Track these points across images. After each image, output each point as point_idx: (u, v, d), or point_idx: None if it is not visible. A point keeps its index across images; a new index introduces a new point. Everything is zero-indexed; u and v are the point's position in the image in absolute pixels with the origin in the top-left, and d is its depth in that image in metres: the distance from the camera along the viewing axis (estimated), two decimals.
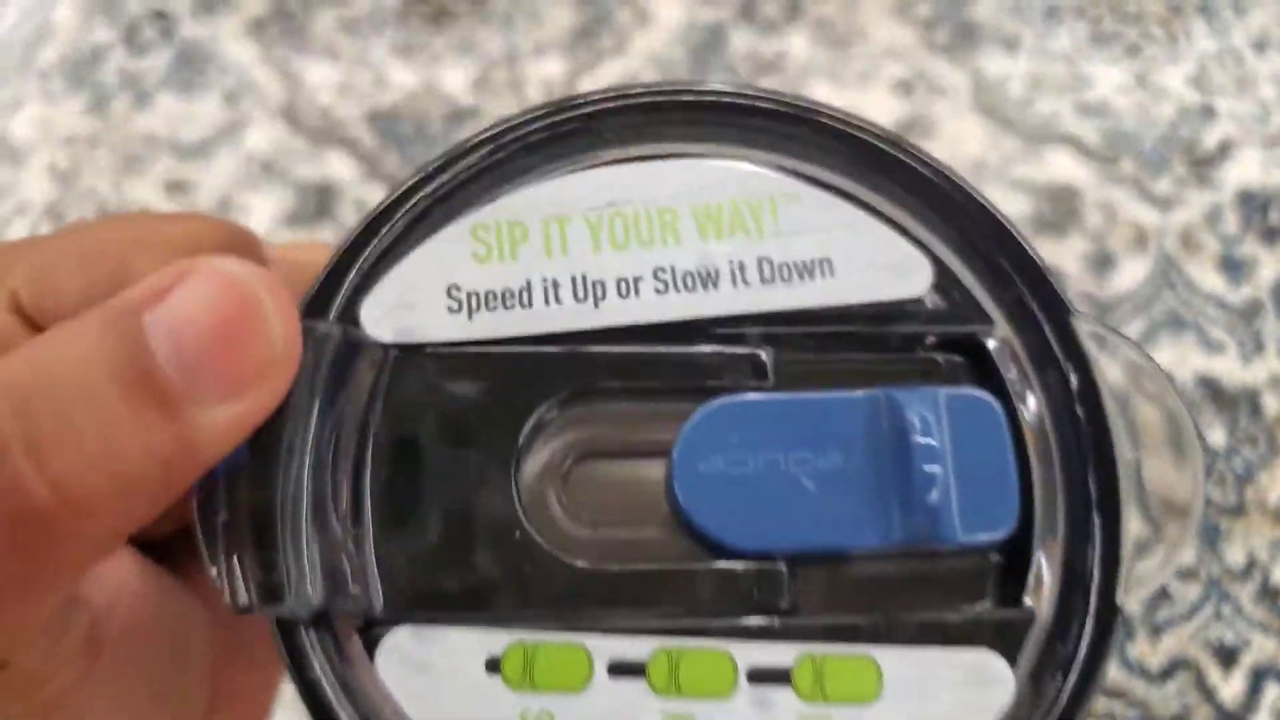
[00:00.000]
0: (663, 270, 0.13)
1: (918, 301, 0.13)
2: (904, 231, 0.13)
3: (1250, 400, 0.46)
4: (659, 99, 0.13)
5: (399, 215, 0.13)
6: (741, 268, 0.13)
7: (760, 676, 0.11)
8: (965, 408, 0.12)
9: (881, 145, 0.13)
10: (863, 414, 0.12)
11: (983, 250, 0.13)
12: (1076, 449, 0.12)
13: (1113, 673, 0.41)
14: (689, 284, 0.13)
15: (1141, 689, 0.40)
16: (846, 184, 0.13)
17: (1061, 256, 0.50)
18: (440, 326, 0.12)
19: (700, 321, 0.13)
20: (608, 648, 0.11)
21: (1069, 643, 0.11)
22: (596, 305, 0.13)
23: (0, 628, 0.11)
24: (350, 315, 0.12)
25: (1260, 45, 0.55)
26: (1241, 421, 0.45)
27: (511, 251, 0.12)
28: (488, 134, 0.13)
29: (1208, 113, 0.53)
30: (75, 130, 0.61)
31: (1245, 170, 0.51)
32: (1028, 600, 0.12)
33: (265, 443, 0.11)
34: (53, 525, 0.10)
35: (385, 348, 0.12)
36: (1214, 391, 0.46)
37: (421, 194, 0.13)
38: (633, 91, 0.14)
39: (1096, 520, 0.12)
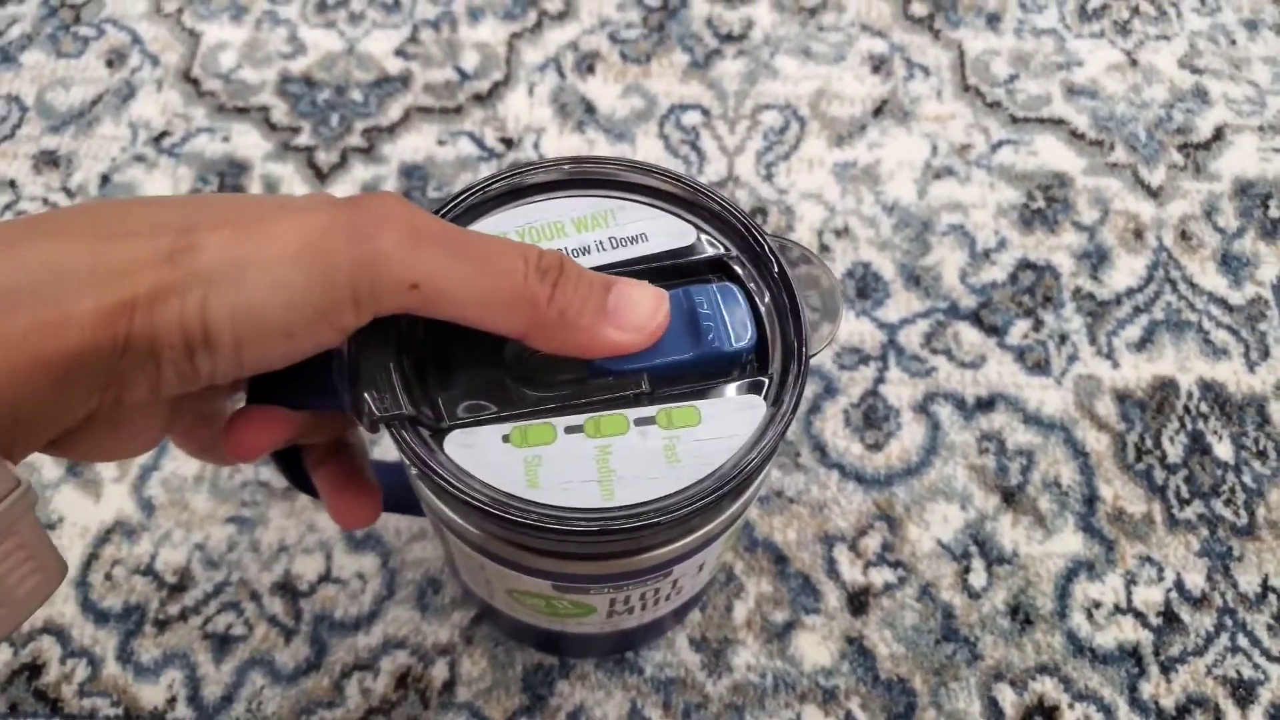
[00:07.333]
0: (561, 249, 0.24)
1: (691, 247, 0.25)
2: (678, 215, 0.25)
3: (1257, 409, 0.42)
4: (556, 169, 0.25)
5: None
6: (600, 244, 0.24)
7: (641, 421, 0.22)
8: (723, 290, 0.24)
9: (662, 176, 0.25)
10: (674, 300, 0.23)
11: (721, 218, 0.25)
12: (782, 302, 0.24)
13: (1126, 715, 0.37)
14: (575, 255, 0.24)
15: None
16: (646, 198, 0.25)
17: (1054, 252, 0.46)
18: None
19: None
20: (563, 421, 0.22)
21: (787, 385, 0.23)
22: None
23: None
24: None
25: (1252, 25, 0.52)
26: (1249, 432, 0.42)
27: None
28: (471, 187, 0.25)
29: (1201, 96, 0.50)
30: None
31: (1242, 158, 0.48)
32: (771, 371, 0.23)
33: (372, 356, 0.23)
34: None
35: None
36: (1219, 399, 0.42)
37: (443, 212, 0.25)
38: (545, 163, 0.25)
39: (793, 333, 0.23)
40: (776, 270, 0.24)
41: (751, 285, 0.24)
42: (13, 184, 0.50)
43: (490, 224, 0.25)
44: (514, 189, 0.25)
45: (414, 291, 0.20)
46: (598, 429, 0.22)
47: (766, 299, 0.24)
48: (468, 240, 0.21)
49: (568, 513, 0.21)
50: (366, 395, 0.22)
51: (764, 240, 0.24)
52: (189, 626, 0.39)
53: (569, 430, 0.22)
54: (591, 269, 0.23)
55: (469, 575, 0.30)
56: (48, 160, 0.51)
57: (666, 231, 0.25)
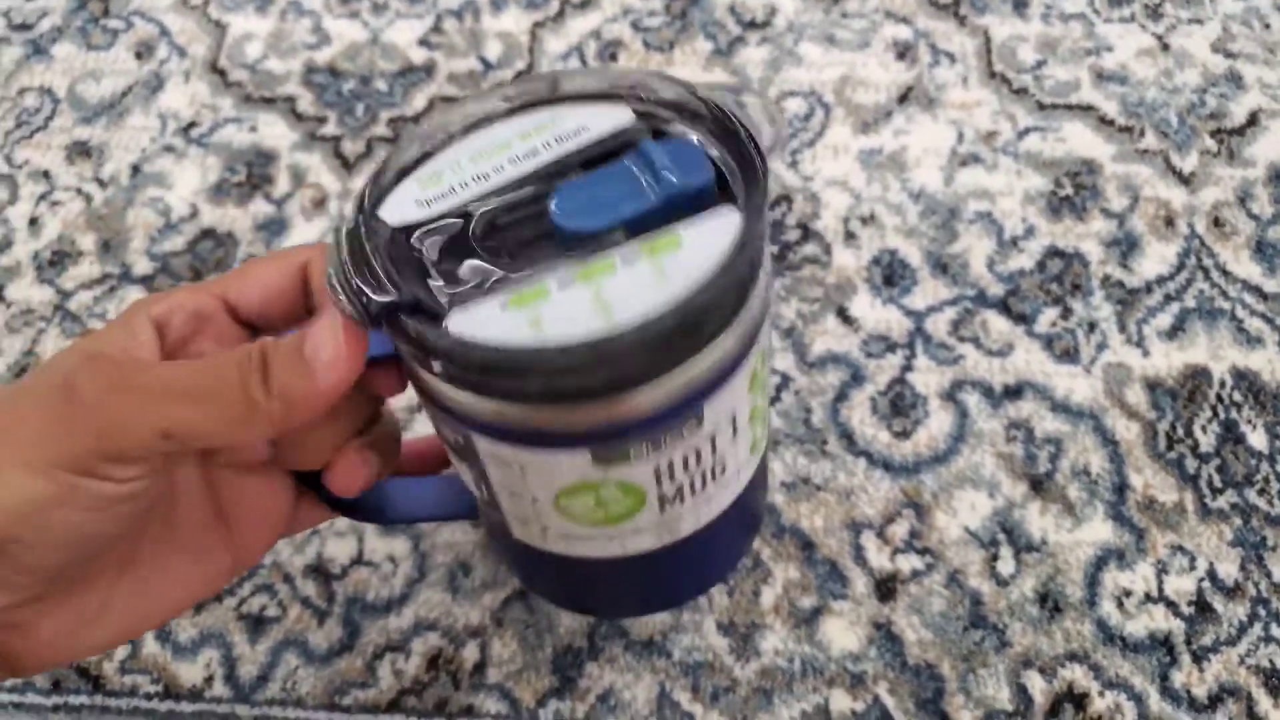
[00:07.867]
0: (512, 158, 0.26)
1: (632, 126, 0.26)
2: (615, 104, 0.27)
3: None
4: (510, 95, 0.27)
5: (389, 173, 0.26)
6: (545, 144, 0.26)
7: (627, 259, 0.24)
8: (678, 144, 0.26)
9: (588, 76, 0.28)
10: (631, 161, 0.25)
11: (653, 91, 0.27)
12: (731, 130, 0.26)
13: (1157, 703, 0.37)
14: (525, 157, 0.26)
15: None
16: (583, 101, 0.27)
17: (1083, 240, 0.45)
18: (416, 214, 0.25)
19: (536, 171, 0.26)
20: (554, 278, 0.24)
21: (755, 186, 0.25)
22: (485, 181, 0.26)
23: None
24: (378, 215, 0.25)
25: None
26: None
27: (438, 181, 0.26)
28: (408, 134, 0.27)
29: (1235, 80, 0.49)
30: None
31: (1277, 144, 0.47)
32: (736, 190, 0.25)
33: (358, 257, 0.24)
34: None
35: (393, 228, 0.25)
36: (1253, 388, 0.42)
37: (395, 164, 0.26)
38: (476, 95, 0.27)
39: (755, 156, 0.25)
40: (711, 108, 0.26)
41: (698, 138, 0.26)
42: (46, 174, 0.51)
43: (443, 160, 0.26)
44: (450, 130, 0.27)
45: (168, 439, 0.23)
46: (588, 275, 0.24)
47: (714, 146, 0.26)
48: (182, 375, 0.23)
49: (575, 342, 0.22)
50: (363, 285, 0.23)
51: (692, 90, 0.26)
52: (224, 608, 0.39)
53: (562, 285, 0.24)
54: (544, 164, 0.26)
55: (514, 509, 0.30)
56: (80, 151, 0.51)
57: (605, 118, 0.26)
